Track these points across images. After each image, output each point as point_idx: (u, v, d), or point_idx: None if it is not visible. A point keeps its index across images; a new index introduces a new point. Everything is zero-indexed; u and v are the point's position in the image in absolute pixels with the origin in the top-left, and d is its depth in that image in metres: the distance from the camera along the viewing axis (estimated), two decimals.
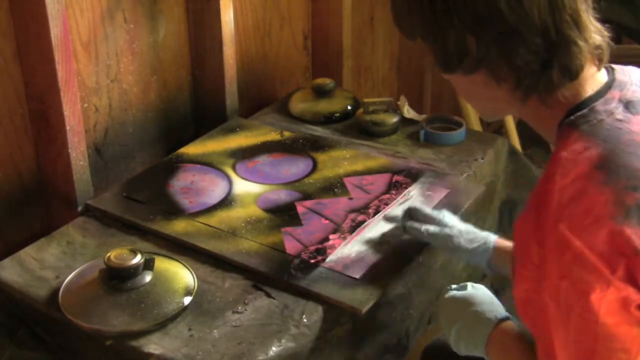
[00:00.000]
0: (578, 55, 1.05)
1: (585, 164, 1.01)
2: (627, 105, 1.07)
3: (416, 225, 1.45)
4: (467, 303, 1.28)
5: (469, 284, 1.33)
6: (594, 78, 1.10)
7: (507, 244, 1.38)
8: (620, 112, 1.06)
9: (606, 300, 0.98)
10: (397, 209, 1.57)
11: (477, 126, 2.65)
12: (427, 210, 1.47)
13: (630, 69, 1.15)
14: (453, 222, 1.44)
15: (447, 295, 1.33)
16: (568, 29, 1.03)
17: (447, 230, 1.42)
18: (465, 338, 1.26)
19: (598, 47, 1.08)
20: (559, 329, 1.03)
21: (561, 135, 1.08)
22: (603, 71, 1.12)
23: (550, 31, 1.03)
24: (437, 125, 1.93)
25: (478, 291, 1.31)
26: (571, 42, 1.04)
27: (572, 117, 1.07)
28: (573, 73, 1.06)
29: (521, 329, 1.20)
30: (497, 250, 1.38)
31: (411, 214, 1.48)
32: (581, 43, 1.04)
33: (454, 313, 1.29)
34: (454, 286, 1.34)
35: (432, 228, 1.43)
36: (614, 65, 1.14)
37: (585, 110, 1.07)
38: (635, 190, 0.98)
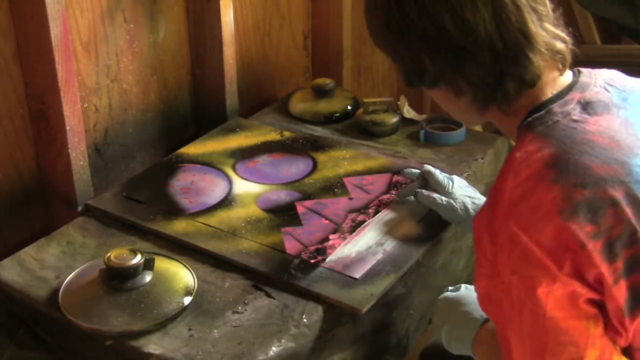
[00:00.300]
0: (530, 67, 1.07)
1: (537, 163, 1.03)
2: (585, 106, 1.09)
3: (425, 193, 1.51)
4: (457, 303, 1.31)
5: (463, 286, 1.36)
6: (554, 82, 1.12)
7: None
8: (577, 113, 1.08)
9: (553, 295, 1.00)
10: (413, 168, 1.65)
11: (477, 126, 2.65)
12: (439, 176, 1.53)
13: (600, 71, 1.16)
14: (462, 191, 1.50)
15: (440, 297, 1.36)
16: (516, 42, 1.06)
17: (455, 202, 1.47)
18: (454, 338, 1.29)
19: (557, 52, 1.09)
20: (513, 323, 1.05)
21: (519, 137, 1.11)
22: (568, 74, 1.14)
23: (497, 45, 1.05)
24: (437, 125, 1.93)
25: (470, 292, 1.33)
26: (521, 55, 1.06)
27: (529, 119, 1.10)
28: (529, 82, 1.08)
29: None
30: None
31: (426, 177, 1.55)
32: (531, 54, 1.06)
33: (445, 314, 1.32)
34: (450, 288, 1.37)
35: (440, 198, 1.48)
36: (582, 69, 1.16)
37: (542, 112, 1.09)
38: (584, 187, 1.00)
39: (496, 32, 1.05)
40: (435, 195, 1.50)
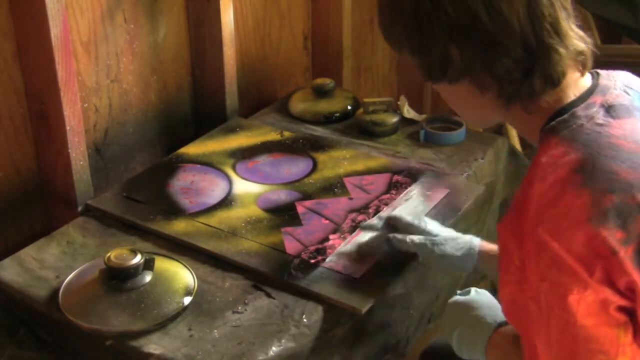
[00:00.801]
0: (559, 63, 1.06)
1: (564, 168, 1.02)
2: (609, 109, 1.08)
3: (400, 236, 1.42)
4: (468, 308, 1.29)
5: (473, 289, 1.34)
6: (577, 84, 1.11)
7: (491, 246, 1.39)
8: (600, 117, 1.07)
9: (584, 302, 0.98)
10: (373, 219, 1.54)
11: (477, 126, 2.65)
12: (408, 218, 1.45)
13: (618, 74, 1.16)
14: (436, 229, 1.43)
15: (450, 300, 1.34)
16: (548, 37, 1.05)
17: (432, 239, 1.40)
18: (466, 342, 1.27)
19: (580, 53, 1.09)
20: (541, 330, 1.04)
21: (542, 140, 1.09)
22: (587, 76, 1.13)
23: (530, 40, 1.04)
24: (437, 125, 1.93)
25: (480, 296, 1.31)
26: (552, 50, 1.05)
27: (553, 123, 1.09)
28: (555, 80, 1.07)
29: (517, 332, 1.20)
30: (482, 253, 1.39)
31: (392, 223, 1.47)
32: (562, 50, 1.06)
33: (456, 318, 1.30)
34: (459, 291, 1.35)
35: (416, 238, 1.41)
36: (600, 71, 1.15)
37: (565, 116, 1.08)
38: (613, 192, 0.98)
39: (529, 26, 1.04)
40: (411, 236, 1.41)
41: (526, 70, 1.06)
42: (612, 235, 0.97)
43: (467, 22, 1.04)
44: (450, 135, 1.88)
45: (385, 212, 1.55)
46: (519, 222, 1.04)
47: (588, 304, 0.99)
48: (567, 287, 0.99)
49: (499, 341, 1.23)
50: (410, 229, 1.44)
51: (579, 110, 1.08)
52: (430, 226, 1.43)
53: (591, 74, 1.14)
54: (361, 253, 1.46)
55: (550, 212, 1.01)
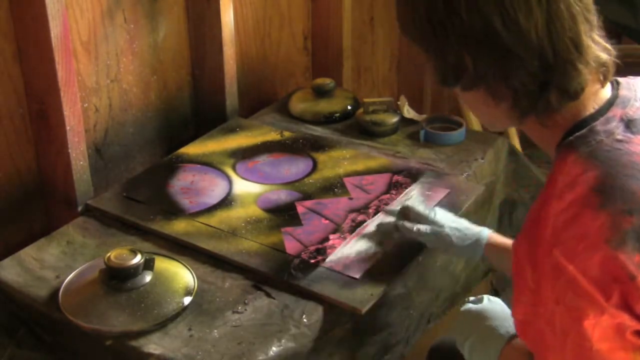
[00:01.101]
0: (577, 78, 1.03)
1: (581, 187, 0.99)
2: (629, 124, 1.04)
3: (408, 224, 1.44)
4: (481, 317, 1.28)
5: (485, 297, 1.32)
6: (596, 95, 1.07)
7: (501, 239, 1.39)
8: (620, 132, 1.03)
9: (600, 327, 0.96)
10: (396, 204, 1.58)
11: (477, 126, 2.65)
12: (420, 208, 1.47)
13: (638, 82, 1.12)
14: (445, 219, 1.44)
15: (463, 308, 1.32)
16: (567, 52, 1.01)
17: (438, 229, 1.41)
18: (478, 352, 1.26)
19: (602, 64, 1.05)
20: (555, 353, 1.02)
21: (559, 155, 1.06)
22: (607, 87, 1.09)
23: (547, 54, 1.01)
24: (437, 125, 1.93)
25: (494, 305, 1.30)
26: (569, 65, 1.02)
27: (571, 138, 1.05)
28: (572, 95, 1.04)
29: None
30: (490, 245, 1.39)
31: (404, 212, 1.48)
32: (580, 66, 1.02)
33: (469, 326, 1.29)
34: (471, 298, 1.33)
35: (423, 227, 1.42)
36: (620, 79, 1.11)
37: (584, 131, 1.04)
38: (632, 214, 0.95)
39: (548, 39, 1.00)
40: (418, 225, 1.43)
41: (542, 83, 1.02)
42: (631, 259, 0.94)
43: (482, 31, 1.01)
44: (450, 135, 1.88)
45: (406, 201, 1.57)
46: (533, 243, 1.02)
47: (604, 329, 0.96)
48: (583, 311, 0.96)
49: (511, 354, 1.21)
50: (420, 218, 1.45)
51: (598, 125, 1.04)
52: (439, 216, 1.44)
53: (611, 83, 1.10)
54: (361, 253, 1.46)
55: (566, 233, 0.98)
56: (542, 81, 1.02)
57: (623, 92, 1.09)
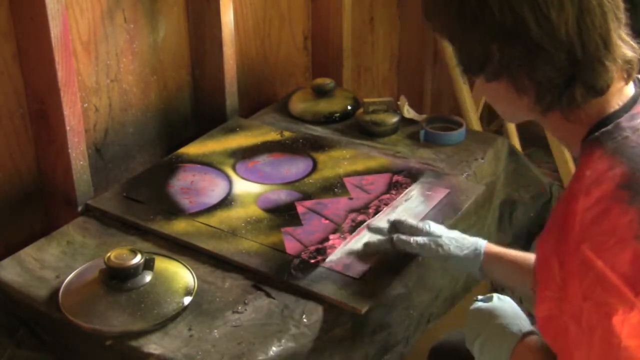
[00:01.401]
0: (604, 75, 1.03)
1: (609, 183, 0.99)
2: None
3: (404, 237, 1.41)
4: (492, 315, 1.26)
5: (495, 296, 1.31)
6: (621, 92, 1.07)
7: (497, 249, 1.38)
8: None
9: (629, 323, 0.96)
10: (380, 220, 1.54)
11: (477, 126, 2.65)
12: (413, 221, 1.45)
13: None
14: (440, 230, 1.42)
15: (472, 307, 1.31)
16: (596, 49, 1.02)
17: (436, 240, 1.39)
18: (489, 351, 1.24)
19: (628, 62, 1.05)
20: (581, 349, 1.01)
21: (585, 151, 1.06)
22: (630, 84, 1.09)
23: (576, 50, 1.01)
24: (437, 125, 1.93)
25: (504, 303, 1.29)
26: (597, 62, 1.02)
27: (596, 134, 1.05)
28: (598, 91, 1.04)
29: (545, 344, 1.18)
30: (487, 255, 1.37)
31: (397, 226, 1.46)
32: (608, 63, 1.02)
33: (479, 325, 1.27)
34: (480, 297, 1.32)
35: (420, 239, 1.40)
36: None
37: (610, 127, 1.05)
38: None
39: (577, 35, 1.00)
40: (415, 237, 1.41)
41: (568, 78, 1.03)
42: None
43: (512, 23, 1.01)
44: (450, 135, 1.88)
45: (391, 215, 1.54)
46: (561, 239, 1.01)
47: (633, 325, 0.96)
48: (612, 307, 0.96)
49: (524, 352, 1.20)
50: (414, 230, 1.43)
51: (624, 122, 1.04)
52: (433, 228, 1.42)
53: (634, 81, 1.10)
54: (361, 253, 1.46)
55: (595, 229, 0.98)
56: (569, 76, 1.02)
57: None
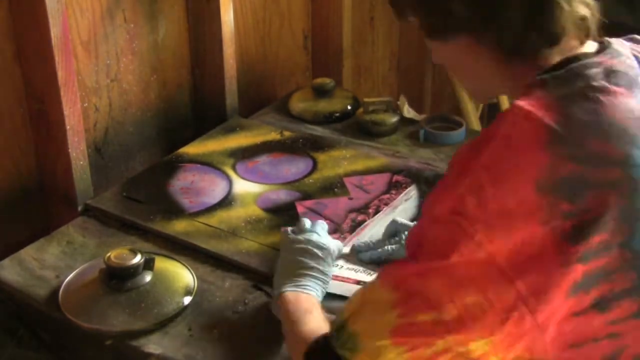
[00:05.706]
0: (560, 19, 1.02)
1: (537, 121, 0.97)
2: (609, 73, 1.02)
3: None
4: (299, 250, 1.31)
5: (320, 224, 1.36)
6: (577, 49, 1.06)
7: None
8: (598, 79, 1.01)
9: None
10: (363, 238, 1.52)
11: (477, 126, 2.65)
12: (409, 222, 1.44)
13: (636, 46, 1.10)
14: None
15: (290, 235, 1.35)
16: None
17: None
18: (275, 280, 1.30)
19: (582, 18, 1.04)
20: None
21: (528, 89, 1.03)
22: (593, 45, 1.08)
23: None
24: (437, 125, 1.93)
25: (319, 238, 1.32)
26: (556, 5, 1.01)
27: (545, 76, 1.03)
28: (554, 37, 1.03)
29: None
30: None
31: (396, 228, 1.44)
32: (565, 6, 1.02)
33: (285, 251, 1.33)
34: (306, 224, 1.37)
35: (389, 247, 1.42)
36: (613, 39, 1.09)
37: (561, 71, 1.03)
38: (573, 160, 0.94)
39: None
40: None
41: (527, 21, 1.01)
42: (551, 205, 0.93)
43: None
44: (450, 135, 1.88)
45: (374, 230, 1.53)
46: (471, 154, 1.00)
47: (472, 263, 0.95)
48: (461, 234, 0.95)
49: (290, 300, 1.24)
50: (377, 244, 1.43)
51: (577, 68, 1.03)
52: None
53: (600, 42, 1.08)
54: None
55: (503, 159, 0.96)
56: (527, 18, 1.01)
57: (615, 46, 1.07)
